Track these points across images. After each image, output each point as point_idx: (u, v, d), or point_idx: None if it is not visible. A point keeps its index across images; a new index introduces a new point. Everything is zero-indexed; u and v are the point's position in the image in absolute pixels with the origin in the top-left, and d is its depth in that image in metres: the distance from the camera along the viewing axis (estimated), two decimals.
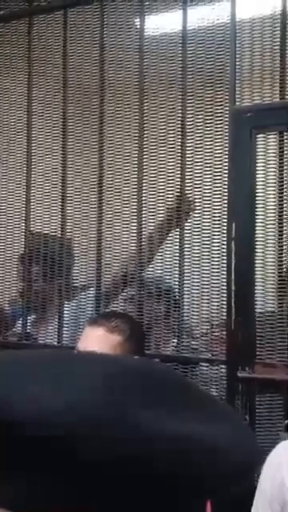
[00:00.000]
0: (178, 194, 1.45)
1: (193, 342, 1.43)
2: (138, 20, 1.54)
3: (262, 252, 1.31)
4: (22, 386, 0.29)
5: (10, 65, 1.75)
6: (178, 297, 1.43)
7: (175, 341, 1.43)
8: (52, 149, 1.66)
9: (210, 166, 1.41)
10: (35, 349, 1.64)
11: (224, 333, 1.35)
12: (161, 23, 1.55)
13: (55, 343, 1.62)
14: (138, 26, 1.54)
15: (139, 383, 0.30)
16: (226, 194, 1.37)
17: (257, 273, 1.31)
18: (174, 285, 1.45)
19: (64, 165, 1.63)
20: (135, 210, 1.51)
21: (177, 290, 1.44)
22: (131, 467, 0.27)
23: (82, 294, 1.64)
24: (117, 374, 0.31)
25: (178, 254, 1.44)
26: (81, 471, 0.27)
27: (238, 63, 1.40)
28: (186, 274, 1.42)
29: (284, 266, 1.32)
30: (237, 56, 1.42)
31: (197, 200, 1.44)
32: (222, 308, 1.36)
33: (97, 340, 1.14)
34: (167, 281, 1.47)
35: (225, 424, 0.30)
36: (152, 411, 0.28)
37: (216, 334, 1.40)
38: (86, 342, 1.17)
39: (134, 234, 1.50)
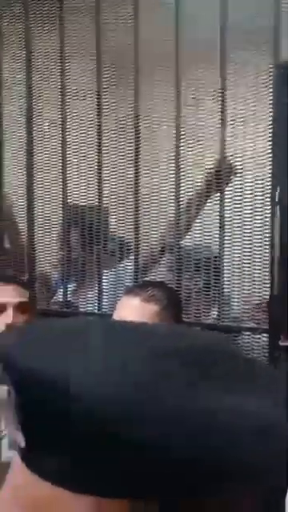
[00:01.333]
0: (218, 157, 1.40)
1: (234, 311, 1.41)
2: None
3: None
4: (81, 360, 0.30)
5: (44, 31, 1.70)
6: (218, 265, 1.40)
7: (215, 310, 1.41)
8: (87, 118, 1.64)
9: (252, 127, 1.35)
10: (75, 316, 1.67)
11: (266, 301, 1.32)
12: None
13: (95, 311, 1.64)
14: None
15: (198, 358, 0.30)
16: (270, 156, 1.30)
17: None
18: (215, 253, 1.41)
19: (99, 134, 1.60)
20: (173, 176, 1.47)
21: (218, 257, 1.41)
22: (191, 440, 0.27)
23: (121, 262, 1.65)
24: (175, 349, 0.31)
25: (218, 221, 1.40)
26: (138, 447, 0.27)
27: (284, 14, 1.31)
28: (227, 241, 1.39)
29: None
30: (283, 8, 1.32)
31: (238, 163, 1.38)
32: (265, 276, 1.33)
33: (133, 310, 1.14)
34: (208, 249, 1.44)
35: (275, 398, 0.30)
36: (211, 386, 0.28)
37: (257, 302, 1.37)
38: (123, 311, 1.17)
39: (172, 202, 1.47)
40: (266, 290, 1.33)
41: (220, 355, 0.32)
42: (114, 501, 0.28)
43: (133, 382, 0.28)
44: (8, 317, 1.27)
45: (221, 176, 1.38)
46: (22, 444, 0.30)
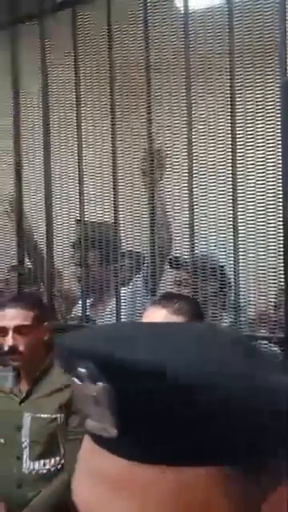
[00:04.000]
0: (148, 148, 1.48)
1: (249, 319, 1.41)
2: None
3: None
4: (174, 353, 0.35)
5: (58, 53, 1.78)
6: (232, 275, 1.41)
7: (227, 318, 1.42)
8: (102, 135, 1.69)
9: (262, 141, 1.37)
10: None
11: (282, 310, 1.32)
12: None
13: None
14: (182, 2, 1.52)
15: (242, 350, 0.38)
16: (280, 165, 1.32)
17: None
18: (229, 261, 1.43)
19: (114, 151, 1.65)
20: (186, 189, 1.50)
21: (231, 268, 1.42)
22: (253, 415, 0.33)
23: (137, 277, 1.67)
24: (226, 343, 0.38)
25: (231, 229, 1.41)
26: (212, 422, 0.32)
27: None
28: (240, 250, 1.40)
29: None
30: (286, 24, 1.36)
31: (250, 174, 1.41)
32: (280, 285, 1.33)
33: (160, 321, 1.15)
34: (219, 259, 1.46)
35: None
36: (263, 367, 0.36)
37: (263, 310, 1.38)
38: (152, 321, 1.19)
39: (186, 215, 1.50)
40: (280, 299, 1.33)
41: (248, 343, 0.40)
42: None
43: (221, 369, 0.34)
44: (8, 339, 1.40)
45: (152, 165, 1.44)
46: (113, 434, 0.33)
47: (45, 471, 1.38)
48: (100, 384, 0.33)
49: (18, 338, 1.40)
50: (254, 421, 0.32)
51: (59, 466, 1.39)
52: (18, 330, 1.40)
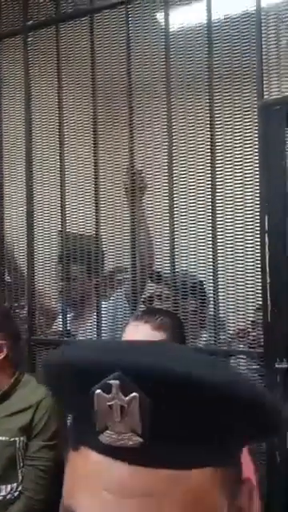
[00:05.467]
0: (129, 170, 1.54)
1: (228, 335, 1.44)
2: (163, 18, 1.56)
3: None
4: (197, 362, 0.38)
5: (41, 70, 1.80)
6: (211, 291, 1.45)
7: (205, 334, 1.45)
8: (84, 151, 1.71)
9: (240, 160, 1.42)
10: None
11: (249, 326, 1.35)
12: (185, 18, 1.56)
13: (94, 339, 1.66)
14: (163, 24, 1.56)
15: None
16: (258, 187, 1.37)
17: None
18: (208, 279, 1.46)
19: (96, 167, 1.67)
20: (167, 207, 1.53)
21: (210, 284, 1.45)
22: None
23: (118, 291, 1.68)
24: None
25: (211, 248, 1.45)
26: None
27: (264, 55, 1.39)
28: (219, 268, 1.44)
29: None
30: (263, 48, 1.41)
31: (228, 194, 1.45)
32: (258, 301, 1.37)
33: (143, 336, 1.17)
34: (197, 275, 1.49)
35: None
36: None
37: (241, 327, 1.41)
38: (132, 337, 1.20)
39: (167, 233, 1.53)
40: (259, 315, 1.37)
41: None
42: None
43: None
44: None
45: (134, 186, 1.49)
46: (138, 443, 0.35)
47: (0, 498, 1.32)
48: (133, 395, 0.34)
49: None
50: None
51: (16, 494, 1.33)
52: None
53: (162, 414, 0.35)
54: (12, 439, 1.35)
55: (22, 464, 1.34)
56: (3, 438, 1.35)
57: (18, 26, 1.82)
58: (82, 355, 0.38)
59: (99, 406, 0.35)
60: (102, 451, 0.36)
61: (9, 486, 1.33)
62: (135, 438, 0.35)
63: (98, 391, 0.35)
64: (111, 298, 1.69)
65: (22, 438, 1.35)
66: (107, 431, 0.35)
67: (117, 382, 0.35)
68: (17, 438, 1.35)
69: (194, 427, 0.35)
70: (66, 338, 1.71)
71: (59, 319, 1.76)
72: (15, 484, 1.33)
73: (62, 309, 1.74)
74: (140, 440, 0.35)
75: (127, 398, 0.34)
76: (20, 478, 1.34)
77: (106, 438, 0.36)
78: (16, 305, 1.84)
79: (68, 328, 1.74)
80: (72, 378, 0.37)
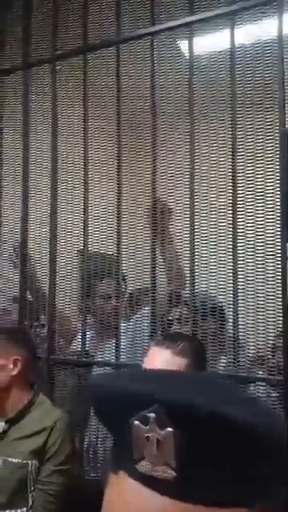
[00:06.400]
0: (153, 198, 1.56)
1: (248, 361, 1.43)
2: (187, 47, 1.60)
3: None
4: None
5: (68, 98, 1.87)
6: (230, 314, 1.44)
7: (224, 359, 1.43)
8: (108, 175, 1.75)
9: (261, 186, 1.43)
10: (94, 366, 1.70)
11: (280, 352, 1.34)
12: (208, 47, 1.60)
13: (113, 361, 1.67)
14: (187, 54, 1.61)
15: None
16: (279, 214, 1.37)
17: None
18: (228, 302, 1.46)
19: (119, 190, 1.71)
20: (187, 234, 1.54)
21: (229, 307, 1.45)
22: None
23: (138, 313, 1.69)
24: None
25: (231, 275, 1.45)
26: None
27: (286, 83, 1.42)
28: (240, 292, 1.43)
29: None
30: (285, 76, 1.43)
31: (249, 218, 1.45)
32: (278, 325, 1.36)
33: (164, 362, 1.17)
34: (216, 297, 1.49)
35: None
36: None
37: (270, 353, 1.39)
38: (153, 362, 1.20)
39: (187, 255, 1.54)
40: (279, 341, 1.36)
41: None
42: None
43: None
44: None
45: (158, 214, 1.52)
46: (171, 476, 0.35)
47: None
48: (168, 429, 0.35)
49: None
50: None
51: None
52: None
53: (196, 451, 0.35)
54: (24, 461, 1.33)
55: (32, 488, 1.32)
56: (15, 460, 1.33)
57: (47, 55, 1.90)
58: (122, 385, 0.39)
59: (137, 436, 0.37)
60: (139, 479, 0.37)
61: (18, 511, 1.31)
62: (170, 471, 0.35)
63: (137, 422, 0.36)
64: (131, 320, 1.70)
65: (34, 461, 1.33)
66: (144, 461, 0.37)
67: (153, 415, 0.35)
68: (29, 461, 1.33)
69: (229, 467, 0.36)
70: (84, 359, 1.72)
71: (78, 339, 1.77)
72: (25, 509, 1.31)
73: (82, 329, 1.75)
74: (173, 474, 0.35)
75: (163, 431, 0.35)
76: (30, 502, 1.32)
77: (142, 467, 0.37)
78: (36, 324, 1.86)
79: (87, 348, 1.75)
80: (112, 405, 0.39)
